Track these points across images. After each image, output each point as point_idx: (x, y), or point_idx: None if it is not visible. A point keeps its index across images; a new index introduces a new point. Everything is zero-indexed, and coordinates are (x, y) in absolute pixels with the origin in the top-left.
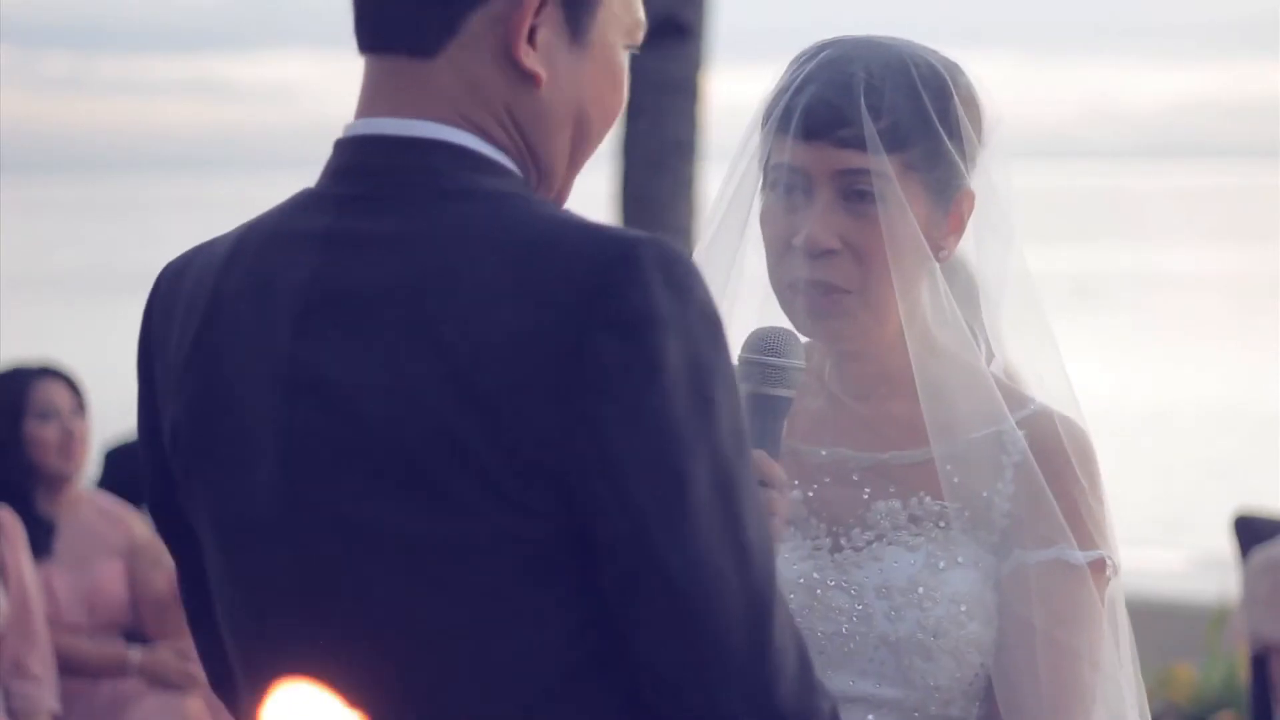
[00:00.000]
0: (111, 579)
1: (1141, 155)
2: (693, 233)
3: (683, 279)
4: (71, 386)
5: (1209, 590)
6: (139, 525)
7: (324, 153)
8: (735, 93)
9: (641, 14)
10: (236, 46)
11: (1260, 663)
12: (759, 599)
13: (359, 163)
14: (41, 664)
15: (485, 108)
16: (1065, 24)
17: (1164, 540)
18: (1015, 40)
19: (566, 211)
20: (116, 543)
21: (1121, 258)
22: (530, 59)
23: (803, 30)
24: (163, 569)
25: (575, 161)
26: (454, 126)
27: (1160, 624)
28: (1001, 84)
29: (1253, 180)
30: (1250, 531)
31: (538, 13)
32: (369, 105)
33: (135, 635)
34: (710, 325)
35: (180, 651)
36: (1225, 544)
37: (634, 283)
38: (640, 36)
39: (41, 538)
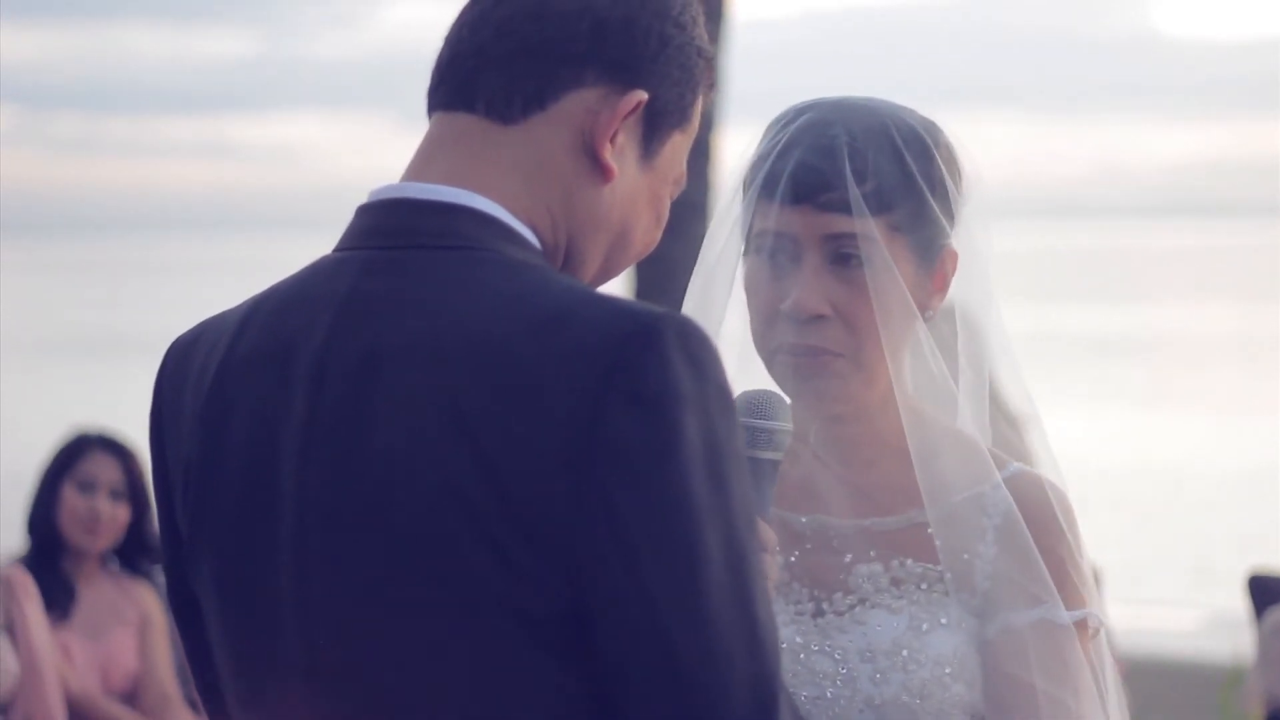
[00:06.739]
0: (125, 649)
1: (1151, 214)
2: None
3: (701, 356)
4: (126, 465)
5: (1223, 650)
6: (150, 598)
7: (329, 213)
8: (747, 154)
9: (685, 172)
10: (244, 108)
11: None
12: (767, 683)
13: (383, 226)
14: None
15: (545, 186)
16: (1073, 83)
17: (1178, 600)
18: (1023, 100)
19: (585, 285)
20: (130, 614)
21: (1131, 317)
22: (609, 154)
23: (814, 91)
24: (166, 654)
25: (604, 271)
26: (485, 196)
27: (1175, 684)
28: (1009, 144)
29: (1263, 239)
30: (1264, 591)
31: (625, 117)
32: (420, 166)
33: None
34: (725, 403)
35: None
36: (1240, 604)
37: (653, 358)
38: (678, 192)
39: (62, 601)
